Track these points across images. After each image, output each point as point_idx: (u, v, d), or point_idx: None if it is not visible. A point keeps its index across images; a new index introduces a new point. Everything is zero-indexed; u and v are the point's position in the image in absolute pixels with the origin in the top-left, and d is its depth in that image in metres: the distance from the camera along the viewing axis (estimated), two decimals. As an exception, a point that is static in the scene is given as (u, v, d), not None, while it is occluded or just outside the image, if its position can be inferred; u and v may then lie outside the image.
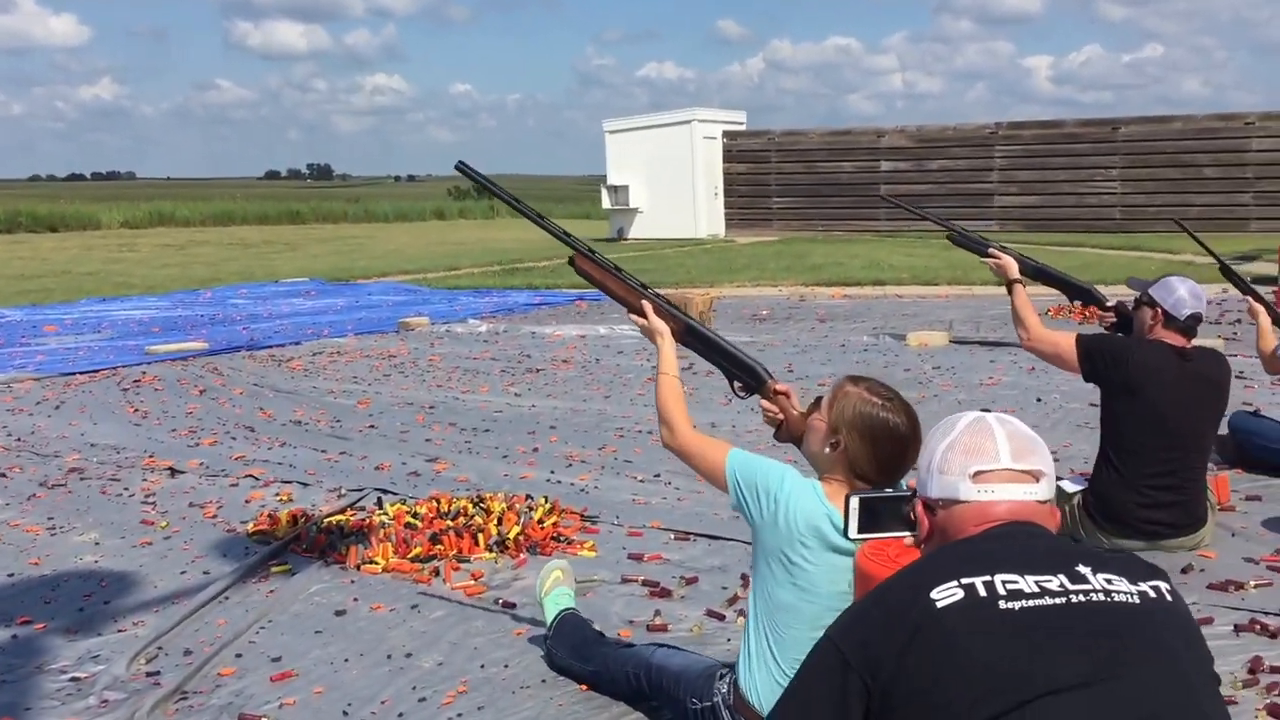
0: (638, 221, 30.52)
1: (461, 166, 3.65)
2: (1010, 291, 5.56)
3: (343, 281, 19.13)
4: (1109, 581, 1.96)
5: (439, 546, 5.12)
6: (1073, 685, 1.83)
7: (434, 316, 14.12)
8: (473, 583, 4.81)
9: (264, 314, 14.74)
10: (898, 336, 11.59)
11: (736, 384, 3.61)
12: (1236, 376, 8.84)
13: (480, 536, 5.20)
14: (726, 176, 31.32)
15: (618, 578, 4.88)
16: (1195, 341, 5.20)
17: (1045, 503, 2.15)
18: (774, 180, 31.05)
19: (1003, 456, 2.13)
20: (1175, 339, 5.11)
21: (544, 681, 3.88)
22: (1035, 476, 2.14)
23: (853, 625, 2.01)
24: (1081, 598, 1.93)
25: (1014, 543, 2.04)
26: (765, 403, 3.52)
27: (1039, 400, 8.36)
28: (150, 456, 7.11)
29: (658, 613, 4.47)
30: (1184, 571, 4.80)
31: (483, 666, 4.01)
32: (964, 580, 1.94)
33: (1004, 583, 1.93)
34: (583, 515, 5.71)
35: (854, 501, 2.61)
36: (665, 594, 4.70)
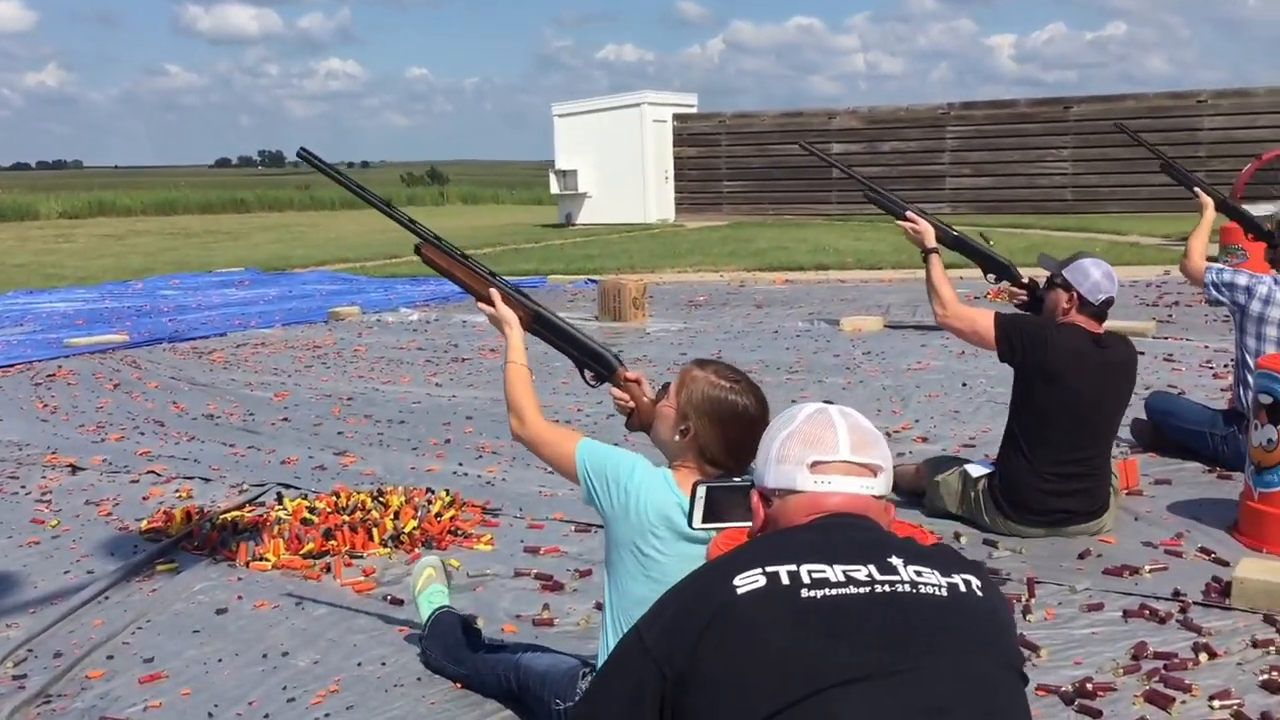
0: (586, 206, 30.37)
1: (303, 153, 3.54)
2: (925, 261, 5.27)
3: (279, 271, 18.91)
4: (919, 574, 1.92)
5: (332, 542, 5.02)
6: (865, 675, 1.80)
7: (367, 306, 13.97)
8: (363, 579, 4.72)
9: (193, 305, 14.53)
10: (832, 321, 11.56)
11: (587, 373, 3.53)
12: (1165, 359, 8.89)
13: (375, 531, 5.10)
14: (677, 160, 31.18)
15: (511, 571, 4.80)
16: (1118, 323, 5.16)
17: (881, 498, 2.11)
18: (724, 164, 30.95)
19: (842, 448, 2.08)
20: (1089, 324, 5.06)
21: (419, 680, 3.80)
22: (873, 471, 2.09)
23: (658, 613, 1.97)
24: (886, 588, 1.88)
25: (834, 533, 2.00)
26: (616, 391, 3.44)
27: (964, 385, 8.34)
28: (53, 453, 6.96)
29: (546, 606, 4.40)
30: (1081, 556, 4.78)
31: (359, 665, 3.93)
32: (769, 568, 1.89)
33: (809, 571, 1.88)
34: (484, 508, 5.62)
35: (700, 490, 2.55)
36: (557, 587, 4.63)
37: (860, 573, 1.89)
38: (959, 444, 6.65)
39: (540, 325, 3.54)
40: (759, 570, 1.89)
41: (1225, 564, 4.62)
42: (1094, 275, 5.02)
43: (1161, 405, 6.43)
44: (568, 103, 31.04)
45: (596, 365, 3.48)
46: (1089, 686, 3.61)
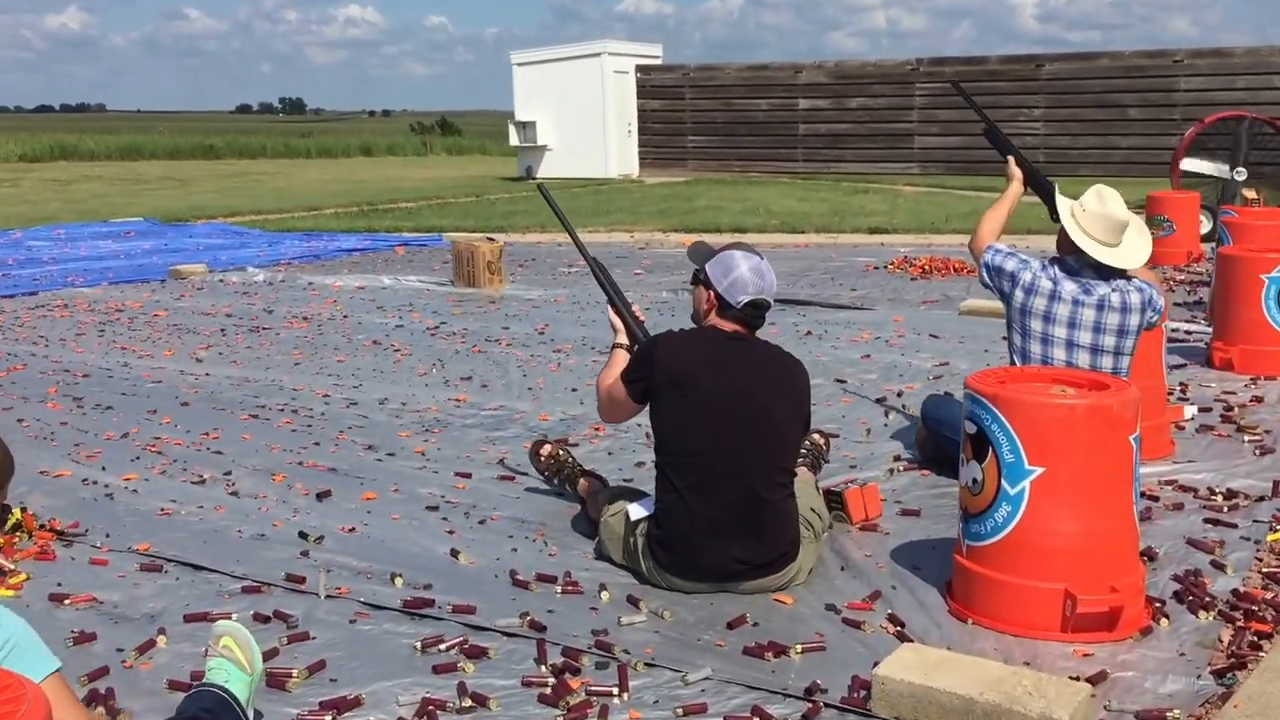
0: (546, 160, 29.13)
1: None
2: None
3: (181, 222, 17.84)
4: None
5: None
6: None
7: (234, 261, 13.03)
8: None
9: (45, 259, 13.47)
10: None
11: None
12: (942, 364, 7.58)
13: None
14: (640, 113, 29.88)
15: None
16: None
17: None
18: (689, 118, 29.64)
19: None
20: (730, 327, 4.02)
21: None
22: None
23: None
24: None
25: None
26: None
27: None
28: None
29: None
30: (730, 626, 3.69)
31: None
32: None
33: None
34: (60, 532, 4.56)
35: None
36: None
37: None
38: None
39: None
40: None
41: (910, 640, 3.54)
42: (736, 271, 3.99)
43: (933, 412, 5.35)
44: (528, 51, 29.79)
45: None
46: None
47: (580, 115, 28.55)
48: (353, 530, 4.62)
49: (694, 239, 14.43)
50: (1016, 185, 5.31)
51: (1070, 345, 4.73)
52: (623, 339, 4.38)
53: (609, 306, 4.50)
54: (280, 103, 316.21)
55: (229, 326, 9.14)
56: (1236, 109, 16.77)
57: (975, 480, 3.68)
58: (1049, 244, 6.19)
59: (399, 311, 9.79)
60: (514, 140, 29.55)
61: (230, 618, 3.74)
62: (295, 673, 3.39)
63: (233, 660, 3.10)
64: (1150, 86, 24.93)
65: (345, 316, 9.56)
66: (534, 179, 28.09)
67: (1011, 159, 5.40)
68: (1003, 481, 3.58)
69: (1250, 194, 13.54)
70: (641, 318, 4.49)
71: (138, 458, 5.61)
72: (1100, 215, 4.71)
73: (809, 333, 8.55)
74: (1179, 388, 6.78)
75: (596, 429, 6.04)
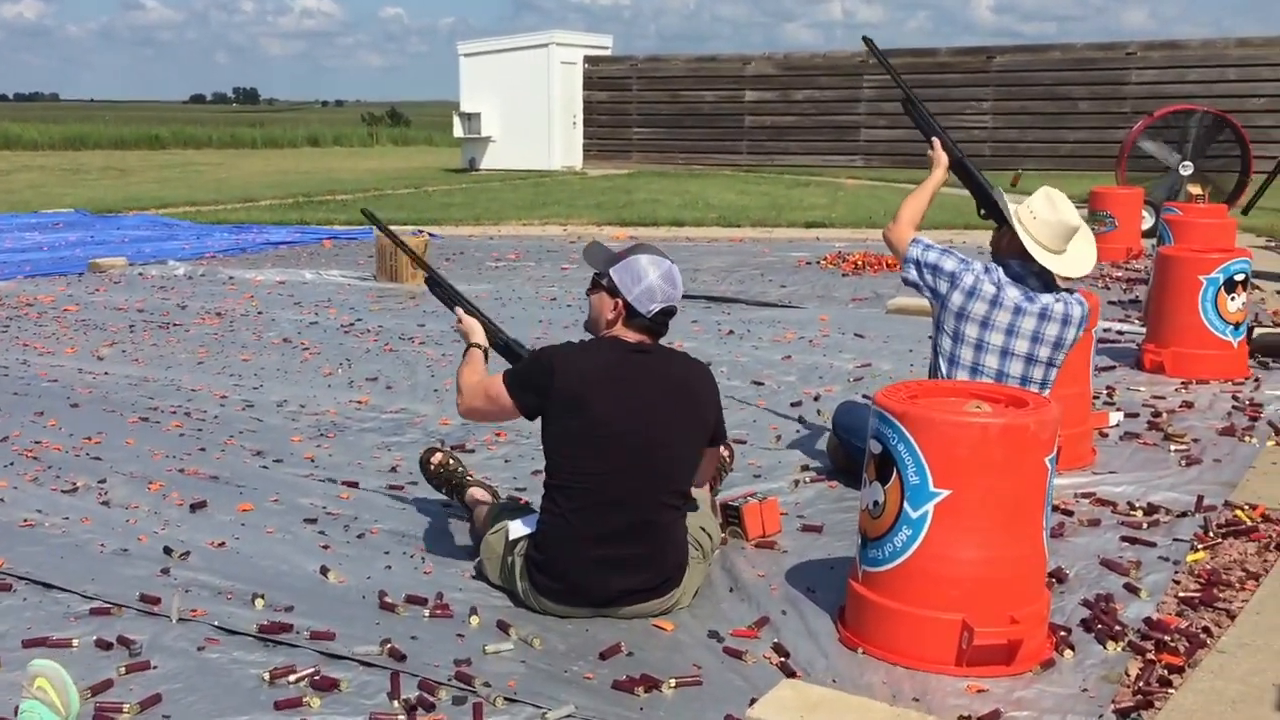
0: (490, 151, 28.77)
1: None
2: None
3: (113, 214, 17.41)
4: None
5: None
6: None
7: (162, 254, 12.67)
8: None
9: (-40, 253, 13.07)
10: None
11: None
12: (864, 365, 7.32)
13: None
14: (586, 105, 29.53)
15: None
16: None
17: None
18: (635, 109, 29.35)
19: None
20: (635, 336, 3.75)
21: None
22: None
23: None
24: None
25: None
26: None
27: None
28: None
29: None
30: (603, 656, 3.44)
31: None
32: None
33: None
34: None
35: None
36: None
37: None
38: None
39: None
40: None
41: (793, 675, 3.32)
42: (648, 278, 3.70)
43: (844, 420, 5.12)
44: (475, 41, 29.42)
45: None
46: None
47: (525, 106, 28.22)
48: (222, 545, 4.35)
49: (627, 234, 14.12)
50: (940, 172, 5.00)
51: (1005, 353, 4.55)
52: (479, 339, 4.14)
53: (459, 311, 4.25)
54: (234, 93, 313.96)
55: (139, 323, 8.82)
56: (1188, 102, 16.65)
57: (876, 503, 3.45)
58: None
59: (315, 307, 9.50)
60: (458, 131, 29.20)
61: (71, 643, 3.51)
62: (126, 708, 3.13)
63: (46, 703, 2.86)
64: (1101, 79, 24.81)
65: (260, 313, 9.25)
66: (477, 170, 27.73)
67: (937, 141, 5.07)
68: (905, 504, 3.35)
69: (1195, 190, 13.42)
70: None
71: (12, 464, 5.31)
72: (1052, 222, 4.51)
73: (731, 332, 8.33)
74: (1106, 391, 6.59)
75: (498, 434, 5.80)
